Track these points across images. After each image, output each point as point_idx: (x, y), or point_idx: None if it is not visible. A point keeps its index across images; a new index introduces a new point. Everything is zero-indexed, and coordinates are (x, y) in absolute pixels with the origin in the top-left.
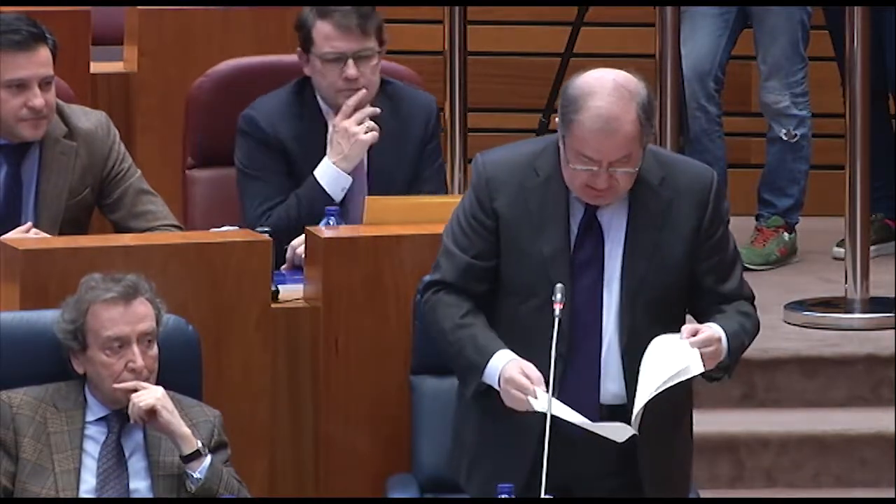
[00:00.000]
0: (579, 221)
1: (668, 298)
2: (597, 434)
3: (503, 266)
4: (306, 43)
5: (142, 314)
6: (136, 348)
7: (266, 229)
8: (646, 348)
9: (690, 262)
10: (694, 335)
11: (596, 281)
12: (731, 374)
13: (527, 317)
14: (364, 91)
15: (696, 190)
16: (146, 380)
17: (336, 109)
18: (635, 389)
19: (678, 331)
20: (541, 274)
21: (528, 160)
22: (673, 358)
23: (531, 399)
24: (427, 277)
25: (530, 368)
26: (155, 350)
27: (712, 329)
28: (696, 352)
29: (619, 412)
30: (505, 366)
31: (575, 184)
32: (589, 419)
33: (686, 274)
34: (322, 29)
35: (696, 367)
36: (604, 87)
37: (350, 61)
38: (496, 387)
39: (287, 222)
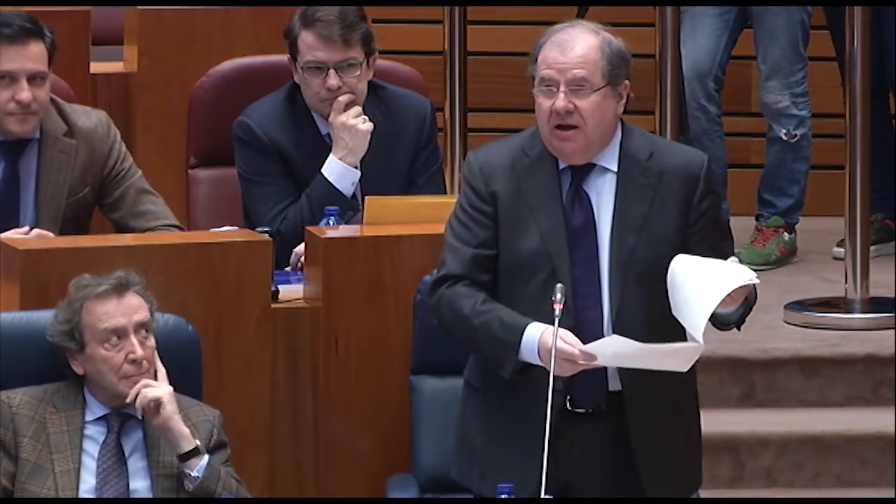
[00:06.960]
0: (567, 192)
1: (659, 274)
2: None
3: (503, 252)
4: (293, 51)
5: (136, 305)
6: (134, 339)
7: (265, 229)
8: (634, 325)
9: (682, 240)
10: None
11: (591, 250)
12: (741, 327)
13: (534, 295)
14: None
15: (685, 167)
16: (146, 371)
17: (324, 117)
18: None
19: (669, 309)
20: (540, 248)
21: (517, 145)
22: (724, 271)
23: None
24: (428, 277)
25: (567, 335)
26: (152, 341)
27: None
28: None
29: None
30: (541, 338)
31: (543, 122)
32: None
33: (678, 251)
34: (305, 38)
35: (752, 276)
36: (569, 25)
37: (332, 71)
38: (537, 361)
39: (301, 223)
